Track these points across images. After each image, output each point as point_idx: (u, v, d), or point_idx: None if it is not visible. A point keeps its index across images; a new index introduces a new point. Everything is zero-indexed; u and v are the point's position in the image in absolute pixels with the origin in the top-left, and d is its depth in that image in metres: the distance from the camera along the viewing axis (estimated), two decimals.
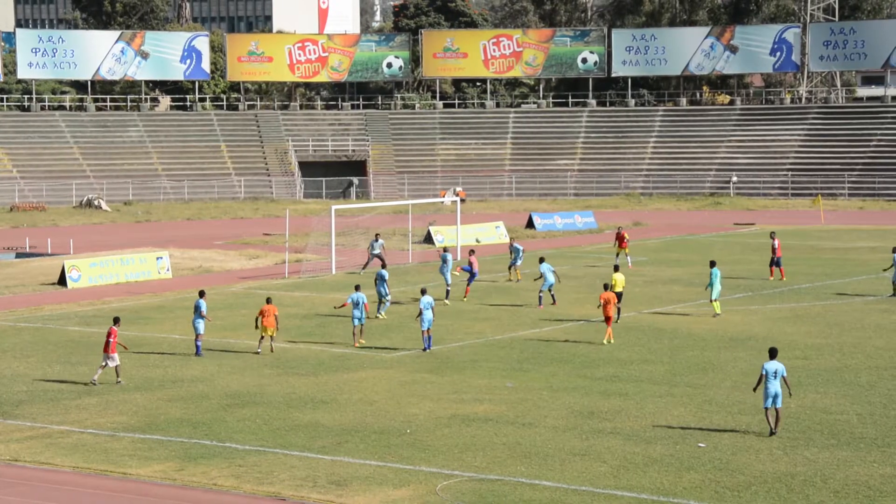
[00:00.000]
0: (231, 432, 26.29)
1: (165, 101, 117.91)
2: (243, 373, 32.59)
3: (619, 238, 54.13)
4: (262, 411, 28.15)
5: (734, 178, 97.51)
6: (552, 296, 43.16)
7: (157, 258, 53.84)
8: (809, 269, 51.88)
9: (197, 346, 34.91)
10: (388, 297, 41.82)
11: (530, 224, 73.94)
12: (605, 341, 35.75)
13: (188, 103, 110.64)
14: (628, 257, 53.78)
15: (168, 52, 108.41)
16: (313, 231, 60.52)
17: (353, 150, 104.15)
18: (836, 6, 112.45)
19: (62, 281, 50.45)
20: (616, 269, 41.28)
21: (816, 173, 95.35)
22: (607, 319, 36.00)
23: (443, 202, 79.77)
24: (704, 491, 21.94)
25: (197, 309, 34.96)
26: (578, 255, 58.53)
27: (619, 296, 39.40)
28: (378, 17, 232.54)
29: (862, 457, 23.87)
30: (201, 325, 34.96)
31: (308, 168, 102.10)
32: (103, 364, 31.38)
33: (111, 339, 31.24)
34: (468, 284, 45.71)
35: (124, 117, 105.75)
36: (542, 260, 43.62)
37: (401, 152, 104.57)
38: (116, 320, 32.27)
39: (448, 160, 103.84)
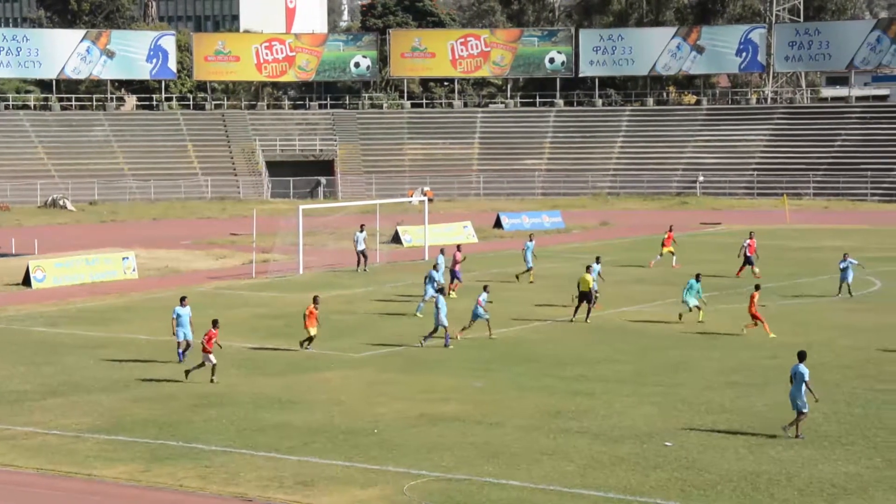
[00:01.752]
0: (198, 433, 26.18)
1: (131, 100, 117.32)
2: (210, 373, 32.41)
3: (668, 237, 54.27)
4: (229, 412, 28.05)
5: (701, 178, 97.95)
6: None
7: (123, 258, 53.56)
8: (776, 269, 52.12)
9: (179, 354, 33.85)
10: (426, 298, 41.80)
11: (498, 224, 74.01)
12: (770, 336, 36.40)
13: (154, 103, 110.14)
14: (659, 258, 53.91)
15: (134, 52, 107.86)
16: (281, 231, 60.35)
17: (321, 150, 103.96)
18: (801, 7, 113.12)
19: (27, 281, 50.10)
20: (588, 269, 41.18)
21: (782, 173, 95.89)
22: (753, 318, 36.82)
23: (411, 202, 79.74)
24: (671, 489, 22.01)
25: (179, 317, 33.67)
26: (547, 255, 58.54)
27: (585, 295, 39.47)
28: (346, 16, 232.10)
29: (826, 455, 24.02)
30: (182, 333, 33.66)
31: (275, 168, 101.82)
32: (202, 363, 31.06)
33: (211, 340, 30.93)
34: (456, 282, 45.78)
35: (90, 117, 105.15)
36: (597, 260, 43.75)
37: (368, 152, 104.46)
38: (215, 323, 31.74)
39: (416, 160, 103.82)
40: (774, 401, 28.53)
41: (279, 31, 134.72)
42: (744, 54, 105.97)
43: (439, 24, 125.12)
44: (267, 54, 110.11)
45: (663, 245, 54.31)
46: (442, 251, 47.61)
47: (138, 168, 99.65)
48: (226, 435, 26.02)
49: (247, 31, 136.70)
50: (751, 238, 50.53)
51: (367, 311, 42.79)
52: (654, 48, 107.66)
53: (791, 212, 78.19)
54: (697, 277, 39.87)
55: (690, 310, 39.23)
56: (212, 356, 31.05)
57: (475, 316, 36.87)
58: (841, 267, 44.35)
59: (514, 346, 35.93)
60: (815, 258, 56.41)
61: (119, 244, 62.97)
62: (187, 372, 31.42)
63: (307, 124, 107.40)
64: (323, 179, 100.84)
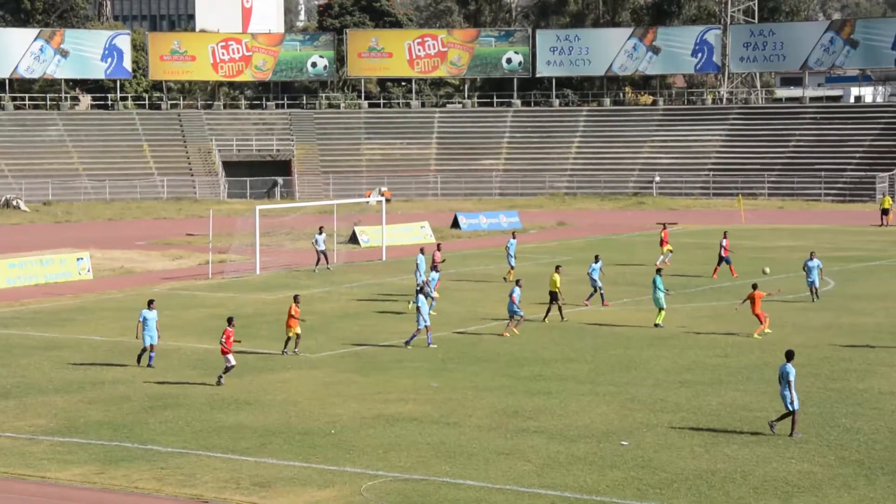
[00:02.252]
0: (153, 434, 26.04)
1: (86, 99, 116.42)
2: (166, 374, 32.29)
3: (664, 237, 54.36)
4: (184, 413, 27.91)
5: (657, 178, 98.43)
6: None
7: (78, 259, 53.18)
8: (729, 269, 52.41)
9: (150, 357, 33.28)
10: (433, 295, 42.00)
11: (455, 224, 74.05)
12: (756, 335, 36.67)
13: (109, 102, 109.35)
14: (668, 254, 54.01)
15: (88, 51, 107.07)
16: (237, 231, 60.11)
17: (278, 150, 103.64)
18: (756, 8, 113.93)
19: None
20: (557, 268, 41.17)
21: (737, 173, 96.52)
22: (758, 317, 37.02)
23: (368, 202, 79.66)
24: (627, 489, 22.12)
25: (146, 321, 33.16)
26: (504, 255, 58.62)
27: (554, 295, 39.61)
28: (302, 16, 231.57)
29: (780, 453, 24.21)
30: (148, 337, 33.16)
31: (232, 168, 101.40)
32: (228, 365, 30.77)
33: (229, 339, 30.66)
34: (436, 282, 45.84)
35: (43, 116, 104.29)
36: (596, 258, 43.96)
37: (326, 152, 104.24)
38: (230, 321, 31.47)
39: (373, 160, 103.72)
40: (727, 399, 28.73)
41: (235, 31, 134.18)
42: (699, 55, 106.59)
43: (396, 24, 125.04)
44: (223, 54, 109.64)
45: (662, 244, 54.28)
46: (422, 250, 47.15)
47: (93, 168, 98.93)
48: (181, 436, 25.90)
49: (203, 31, 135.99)
50: (725, 238, 50.83)
51: (323, 311, 42.70)
52: (610, 49, 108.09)
53: (746, 212, 78.72)
54: (659, 272, 39.92)
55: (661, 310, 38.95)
56: (231, 357, 30.78)
57: (511, 312, 37.35)
58: (808, 266, 43.66)
59: (471, 345, 35.97)
60: (771, 258, 56.78)
61: (74, 245, 62.51)
62: (219, 378, 30.83)
63: (264, 124, 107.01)
64: (280, 180, 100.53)
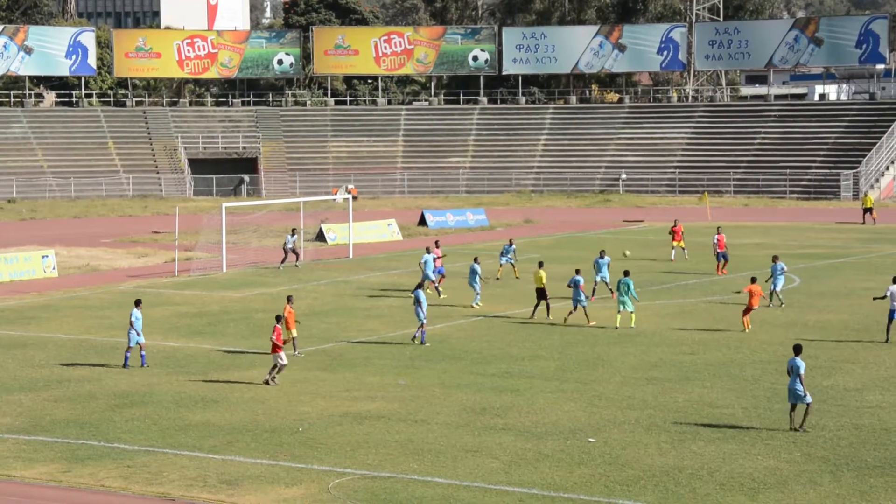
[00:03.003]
0: (119, 433, 25.92)
1: (50, 97, 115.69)
2: (132, 372, 32.15)
3: (675, 231, 54.43)
4: (151, 411, 27.80)
5: (623, 176, 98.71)
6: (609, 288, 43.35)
7: (43, 257, 52.86)
8: (696, 266, 52.72)
9: (142, 357, 32.85)
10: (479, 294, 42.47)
11: (423, 221, 74.06)
12: (745, 330, 36.94)
13: (74, 99, 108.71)
14: (684, 251, 54.42)
15: (53, 48, 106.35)
16: (203, 229, 59.88)
17: (244, 148, 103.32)
18: (721, 6, 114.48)
19: None
20: (540, 265, 41.12)
21: (703, 171, 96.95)
22: (747, 310, 37.23)
23: (335, 200, 79.56)
24: (595, 486, 22.19)
25: (133, 322, 32.60)
26: (471, 252, 58.71)
27: (541, 291, 39.55)
28: (268, 13, 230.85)
29: (747, 450, 24.34)
30: (134, 336, 32.64)
31: (198, 165, 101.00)
32: (279, 363, 30.45)
33: (280, 336, 30.37)
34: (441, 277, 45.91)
35: (7, 113, 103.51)
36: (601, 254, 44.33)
37: (292, 150, 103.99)
38: (279, 318, 31.15)
39: (340, 157, 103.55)
40: (694, 396, 28.87)
41: (201, 28, 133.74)
42: (665, 53, 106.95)
43: (362, 21, 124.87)
44: (189, 51, 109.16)
45: (674, 239, 54.43)
46: (428, 249, 46.41)
47: (58, 165, 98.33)
48: (148, 434, 25.79)
49: (168, 28, 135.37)
50: (718, 234, 50.88)
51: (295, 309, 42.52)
52: (576, 46, 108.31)
53: (712, 209, 79.08)
54: (626, 273, 39.42)
55: (620, 312, 38.54)
56: (283, 355, 30.45)
57: (576, 302, 38.02)
58: (776, 272, 43.18)
59: (439, 343, 35.97)
60: (736, 255, 57.04)
61: (39, 242, 62.14)
62: (273, 377, 30.53)
63: (230, 121, 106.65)
64: (246, 177, 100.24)
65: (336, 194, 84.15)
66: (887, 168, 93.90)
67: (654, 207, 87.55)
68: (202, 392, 29.70)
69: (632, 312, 38.24)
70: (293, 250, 53.87)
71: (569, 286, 38.93)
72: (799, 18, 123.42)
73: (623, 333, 37.18)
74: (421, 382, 30.63)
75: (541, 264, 40.95)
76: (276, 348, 30.38)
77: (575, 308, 38.61)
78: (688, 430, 25.75)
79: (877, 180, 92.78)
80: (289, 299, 34.59)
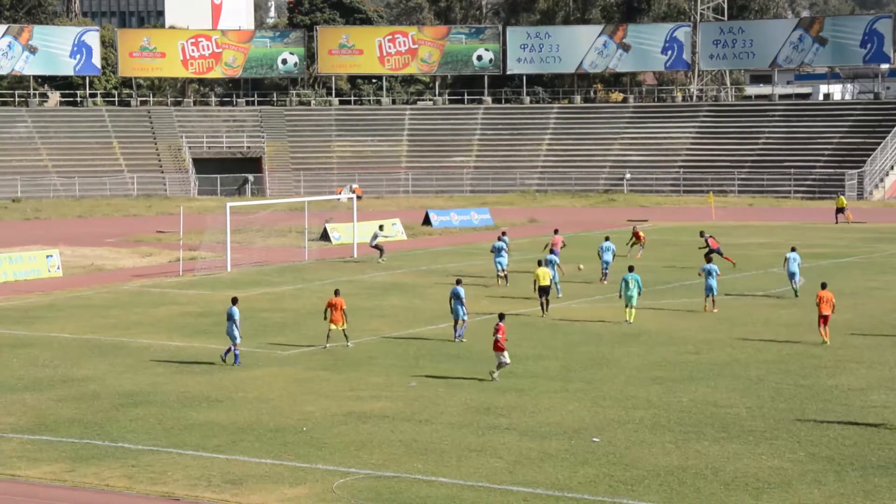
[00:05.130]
0: (123, 432, 25.93)
1: (55, 96, 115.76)
2: (136, 372, 32.17)
3: (636, 234, 56.56)
4: (155, 410, 27.81)
5: (627, 175, 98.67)
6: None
7: (48, 256, 52.90)
8: (700, 265, 52.56)
9: (235, 355, 32.78)
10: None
11: (427, 221, 74.03)
12: (823, 341, 34.85)
13: (79, 99, 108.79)
14: (640, 249, 56.08)
15: (57, 47, 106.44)
16: (208, 228, 59.88)
17: (249, 147, 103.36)
18: (725, 6, 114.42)
19: None
20: (539, 263, 41.20)
21: (707, 170, 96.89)
22: (823, 318, 34.81)
23: (339, 199, 79.55)
24: (599, 485, 22.17)
25: (230, 317, 32.71)
26: (475, 251, 58.75)
27: (544, 289, 39.70)
28: (272, 12, 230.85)
29: (751, 449, 24.32)
30: (237, 332, 32.76)
31: (202, 165, 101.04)
32: (503, 361, 30.45)
33: (504, 335, 30.41)
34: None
35: (12, 113, 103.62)
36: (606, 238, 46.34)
37: (297, 149, 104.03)
38: (502, 316, 31.29)
39: (344, 157, 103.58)
40: (698, 396, 28.85)
41: (205, 28, 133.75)
42: (669, 52, 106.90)
43: (367, 21, 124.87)
44: (193, 51, 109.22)
45: (637, 240, 56.35)
46: (499, 237, 49.19)
47: (63, 165, 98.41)
48: (152, 434, 25.80)
49: (172, 28, 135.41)
50: (701, 236, 52.32)
51: (294, 308, 42.63)
52: (580, 46, 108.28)
53: (716, 209, 79.02)
54: (631, 269, 39.49)
55: (628, 307, 38.54)
56: (506, 354, 30.48)
57: (709, 289, 39.84)
58: (790, 267, 42.95)
59: (442, 343, 35.95)
60: (742, 255, 57.01)
61: (43, 242, 62.18)
62: (492, 373, 30.56)
63: (234, 121, 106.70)
64: (251, 177, 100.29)
65: (340, 194, 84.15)
66: (892, 167, 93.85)
67: (659, 207, 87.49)
68: (206, 392, 29.70)
69: (634, 308, 38.47)
70: (376, 246, 55.45)
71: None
72: (803, 18, 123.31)
73: (627, 333, 37.16)
74: (425, 382, 30.60)
75: (540, 263, 41.09)
76: (498, 346, 30.42)
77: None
78: (692, 430, 25.72)
79: (881, 180, 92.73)
80: (336, 293, 35.15)
